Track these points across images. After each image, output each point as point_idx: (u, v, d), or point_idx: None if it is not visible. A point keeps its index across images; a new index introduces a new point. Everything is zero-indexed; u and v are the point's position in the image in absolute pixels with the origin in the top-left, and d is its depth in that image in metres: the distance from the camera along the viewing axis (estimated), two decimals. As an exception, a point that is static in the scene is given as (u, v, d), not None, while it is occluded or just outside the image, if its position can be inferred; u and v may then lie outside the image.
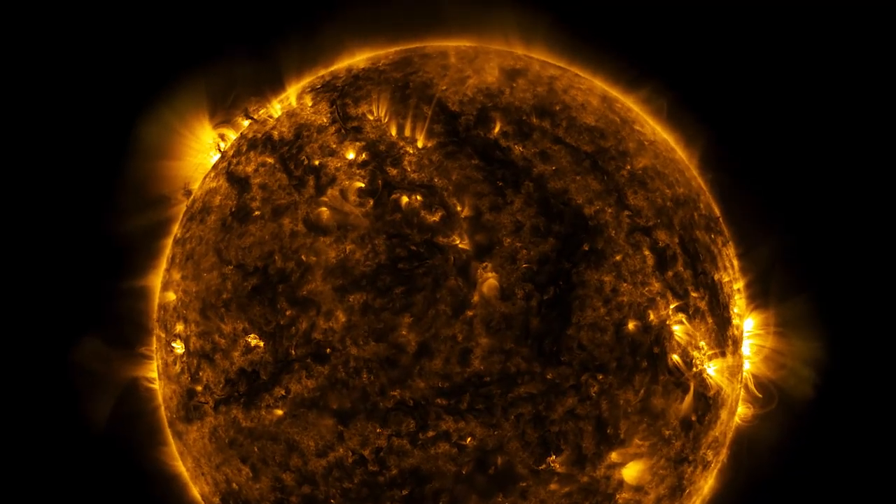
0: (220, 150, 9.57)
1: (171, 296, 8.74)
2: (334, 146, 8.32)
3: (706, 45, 9.12)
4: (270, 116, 9.31)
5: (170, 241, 9.33)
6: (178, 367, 8.69)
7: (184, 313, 8.50)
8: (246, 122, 9.42)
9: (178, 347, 8.73)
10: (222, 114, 9.62)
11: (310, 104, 8.98)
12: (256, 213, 8.03)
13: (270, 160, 8.51)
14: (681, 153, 9.30)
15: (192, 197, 9.26)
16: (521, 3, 9.12)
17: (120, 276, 9.59)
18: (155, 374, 9.33)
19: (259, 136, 9.09)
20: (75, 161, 9.67)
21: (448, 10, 9.25)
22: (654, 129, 9.25)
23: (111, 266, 9.72)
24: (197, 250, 8.51)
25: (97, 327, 9.57)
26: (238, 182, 8.61)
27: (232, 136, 9.59)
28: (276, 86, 9.53)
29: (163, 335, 8.87)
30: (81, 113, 9.75)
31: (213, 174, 9.28)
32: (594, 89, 9.23)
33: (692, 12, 9.02)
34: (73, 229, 9.67)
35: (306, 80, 9.63)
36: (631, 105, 9.36)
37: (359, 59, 9.58)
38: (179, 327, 8.51)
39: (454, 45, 9.48)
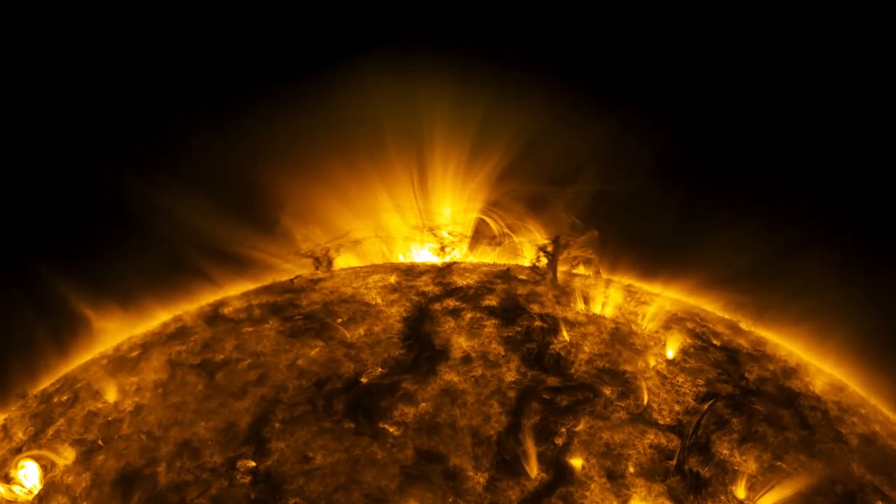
0: (457, 253, 6.27)
1: (111, 394, 5.27)
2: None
3: None
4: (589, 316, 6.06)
5: (202, 307, 5.83)
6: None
7: (97, 443, 5.02)
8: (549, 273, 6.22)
9: (25, 490, 5.04)
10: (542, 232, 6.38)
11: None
12: (390, 440, 4.91)
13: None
14: None
15: (328, 274, 5.86)
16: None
17: (90, 288, 5.69)
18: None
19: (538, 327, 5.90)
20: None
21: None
22: None
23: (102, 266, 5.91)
24: (236, 370, 5.02)
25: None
26: (426, 345, 5.19)
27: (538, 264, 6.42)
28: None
29: (22, 436, 5.19)
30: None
31: (400, 281, 5.77)
32: None
33: None
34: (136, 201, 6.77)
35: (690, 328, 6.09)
36: None
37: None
38: (64, 457, 4.97)
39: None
